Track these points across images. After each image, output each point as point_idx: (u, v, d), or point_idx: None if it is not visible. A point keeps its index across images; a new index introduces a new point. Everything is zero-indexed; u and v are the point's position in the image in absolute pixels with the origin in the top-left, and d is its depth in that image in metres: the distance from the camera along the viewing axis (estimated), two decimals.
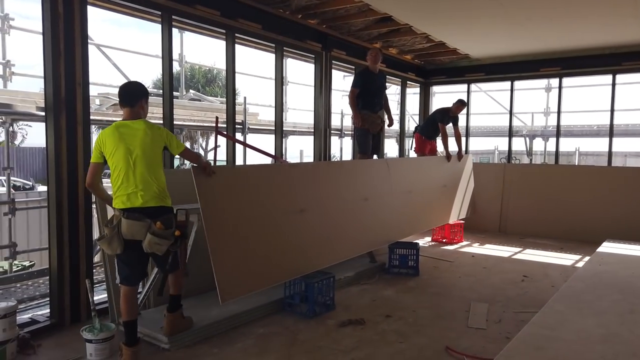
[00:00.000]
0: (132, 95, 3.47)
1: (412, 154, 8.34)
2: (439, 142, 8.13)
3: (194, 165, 3.68)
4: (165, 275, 3.75)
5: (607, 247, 5.70)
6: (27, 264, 6.76)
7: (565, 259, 6.95)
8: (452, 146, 7.74)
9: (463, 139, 8.46)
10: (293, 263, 4.49)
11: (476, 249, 7.58)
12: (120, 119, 3.51)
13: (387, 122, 6.62)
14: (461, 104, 7.74)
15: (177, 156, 3.81)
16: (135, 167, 3.33)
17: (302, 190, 4.74)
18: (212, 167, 3.79)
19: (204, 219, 3.68)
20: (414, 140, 8.19)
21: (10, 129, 5.91)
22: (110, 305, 4.14)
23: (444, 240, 7.94)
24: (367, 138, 6.33)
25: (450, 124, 7.83)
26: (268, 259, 4.23)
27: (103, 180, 3.72)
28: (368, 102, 6.24)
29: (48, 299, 4.33)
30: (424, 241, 7.96)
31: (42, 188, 12.42)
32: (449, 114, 7.74)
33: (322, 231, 4.88)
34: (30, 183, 17.52)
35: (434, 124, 7.83)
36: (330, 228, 4.99)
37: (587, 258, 6.11)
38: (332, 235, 5.02)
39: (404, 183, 6.34)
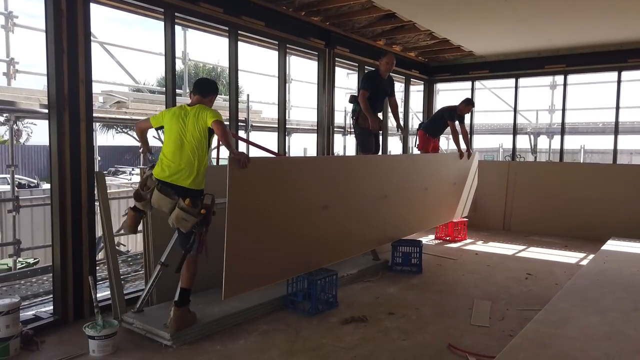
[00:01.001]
0: (208, 88, 3.95)
1: (416, 152, 8.31)
2: (442, 140, 8.10)
3: (230, 157, 3.69)
4: (184, 256, 3.78)
5: (612, 245, 5.67)
6: (31, 261, 6.80)
7: (569, 256, 6.92)
8: (461, 144, 7.72)
9: (468, 136, 8.42)
10: (310, 257, 4.53)
11: (480, 246, 7.55)
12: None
13: (395, 126, 6.65)
14: (468, 104, 7.67)
15: None
16: (183, 149, 3.69)
17: (327, 185, 4.73)
18: (245, 160, 3.69)
19: (228, 212, 3.61)
20: (417, 137, 8.16)
21: (15, 126, 5.93)
22: (113, 302, 4.15)
23: (448, 238, 7.92)
24: (369, 137, 6.32)
25: (457, 122, 7.79)
26: (284, 254, 4.25)
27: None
28: (371, 104, 6.24)
29: (51, 296, 4.34)
30: (428, 239, 7.95)
31: (47, 186, 12.46)
32: (457, 112, 7.69)
33: (342, 227, 4.90)
34: (35, 181, 17.60)
35: (440, 121, 7.78)
36: (350, 224, 5.02)
37: (591, 256, 6.08)
38: (351, 231, 5.05)
39: (421, 180, 6.36)
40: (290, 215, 4.27)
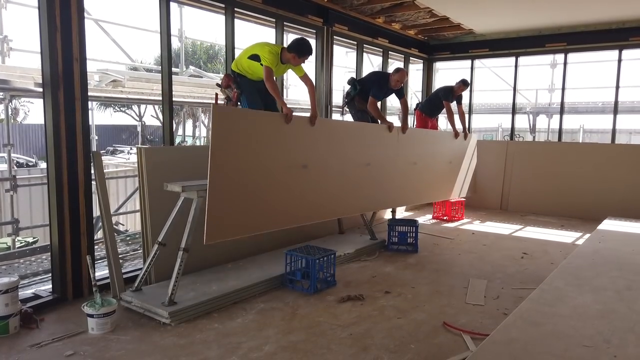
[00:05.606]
0: (292, 46, 4.66)
1: None
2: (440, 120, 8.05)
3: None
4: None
5: (608, 225, 5.70)
6: (30, 240, 6.82)
7: (565, 236, 6.96)
8: (457, 124, 7.68)
9: (466, 117, 8.39)
10: (288, 214, 4.62)
11: (477, 226, 7.59)
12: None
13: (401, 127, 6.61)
14: (464, 84, 7.63)
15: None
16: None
17: (307, 145, 4.79)
18: (292, 116, 4.55)
19: (210, 157, 3.72)
20: (415, 117, 8.13)
21: (11, 105, 5.88)
22: (111, 281, 4.18)
23: (445, 218, 7.95)
24: (365, 113, 6.34)
25: (454, 102, 7.75)
26: (265, 207, 4.33)
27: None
28: (366, 99, 6.26)
29: (50, 274, 4.36)
30: (425, 218, 7.98)
31: (45, 165, 12.43)
32: (453, 93, 7.65)
33: (322, 188, 4.97)
34: (33, 160, 17.55)
35: (437, 101, 7.75)
36: (330, 186, 5.08)
37: (587, 235, 6.12)
38: (331, 193, 5.10)
39: (409, 154, 6.35)
40: (270, 169, 4.36)
